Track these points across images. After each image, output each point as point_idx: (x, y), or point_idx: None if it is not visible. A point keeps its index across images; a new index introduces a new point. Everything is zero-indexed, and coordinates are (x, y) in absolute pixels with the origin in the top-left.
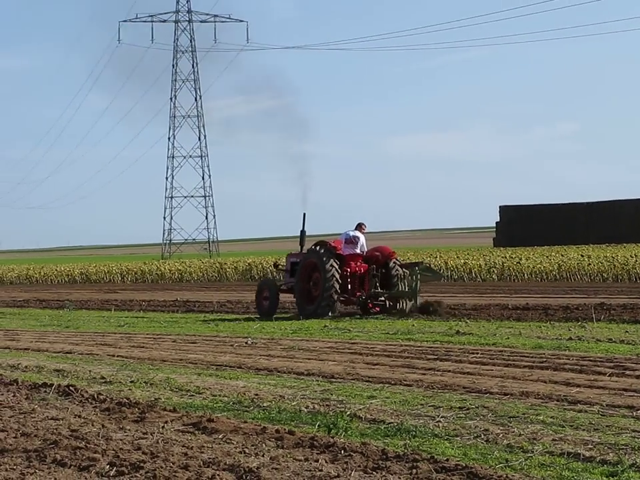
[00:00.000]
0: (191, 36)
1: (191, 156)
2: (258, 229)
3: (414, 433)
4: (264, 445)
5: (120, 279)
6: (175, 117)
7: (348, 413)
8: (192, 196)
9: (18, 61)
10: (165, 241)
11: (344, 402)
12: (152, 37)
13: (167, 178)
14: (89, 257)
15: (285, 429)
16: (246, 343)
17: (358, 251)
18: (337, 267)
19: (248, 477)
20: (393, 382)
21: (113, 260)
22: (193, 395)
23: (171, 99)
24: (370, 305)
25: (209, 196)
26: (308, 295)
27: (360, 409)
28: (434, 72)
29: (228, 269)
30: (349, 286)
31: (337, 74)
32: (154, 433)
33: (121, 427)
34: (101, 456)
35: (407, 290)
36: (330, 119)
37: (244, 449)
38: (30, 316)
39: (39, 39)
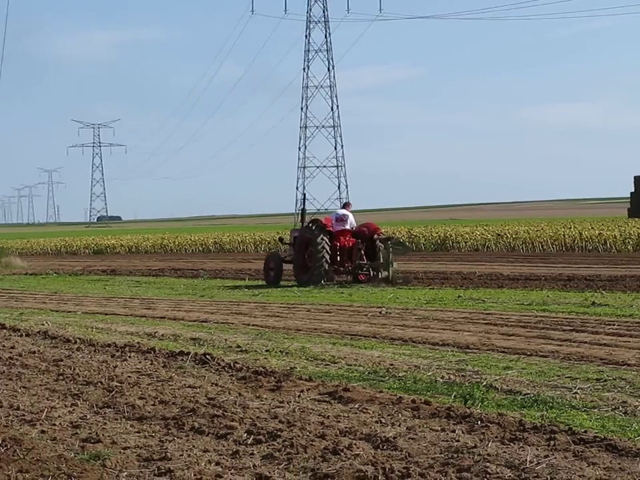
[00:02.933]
0: (324, 6)
1: (323, 126)
2: (389, 199)
3: (551, 404)
4: (400, 414)
5: (253, 248)
6: (307, 87)
7: (484, 383)
8: (324, 166)
9: (154, 31)
10: (297, 211)
11: (479, 373)
12: (285, 8)
13: (299, 148)
14: (222, 226)
15: (420, 399)
16: (380, 312)
17: (348, 227)
18: (327, 241)
19: (384, 447)
20: (528, 353)
21: (246, 230)
22: (328, 365)
23: (304, 69)
24: (361, 276)
25: (341, 166)
26: (304, 266)
27: (496, 380)
28: (566, 41)
29: None
30: (338, 258)
31: (470, 44)
32: (290, 402)
33: (258, 395)
34: (238, 424)
35: (382, 262)
36: (463, 89)
37: (380, 418)
38: (165, 285)
39: (173, 9)
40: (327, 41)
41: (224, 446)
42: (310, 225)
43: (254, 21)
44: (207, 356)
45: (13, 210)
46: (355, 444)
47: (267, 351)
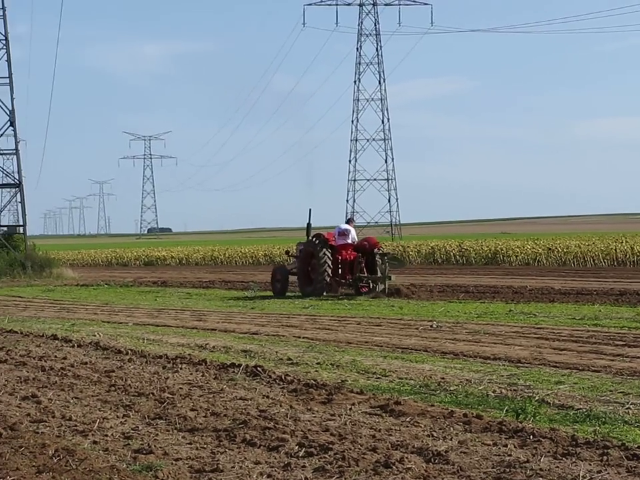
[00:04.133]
0: (375, 19)
1: (374, 139)
2: (440, 212)
3: (603, 419)
4: (452, 428)
5: None
6: (358, 100)
7: (536, 398)
8: (375, 179)
9: (205, 44)
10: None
11: (531, 387)
12: (336, 21)
13: (350, 161)
14: (272, 238)
15: (472, 413)
16: (431, 326)
17: (349, 241)
18: (329, 255)
19: (436, 461)
20: (580, 367)
21: (296, 242)
22: (379, 378)
23: (355, 82)
24: (363, 289)
25: (391, 179)
26: (307, 277)
27: (548, 394)
28: (621, 54)
29: (411, 252)
30: (340, 271)
31: (522, 57)
32: (342, 415)
33: (309, 408)
34: (289, 437)
35: (379, 275)
36: (514, 103)
37: (432, 432)
38: (215, 297)
39: (225, 22)
40: (378, 53)
41: (275, 458)
42: (313, 239)
43: (305, 34)
44: (258, 368)
45: (64, 221)
46: (406, 457)
47: (317, 363)
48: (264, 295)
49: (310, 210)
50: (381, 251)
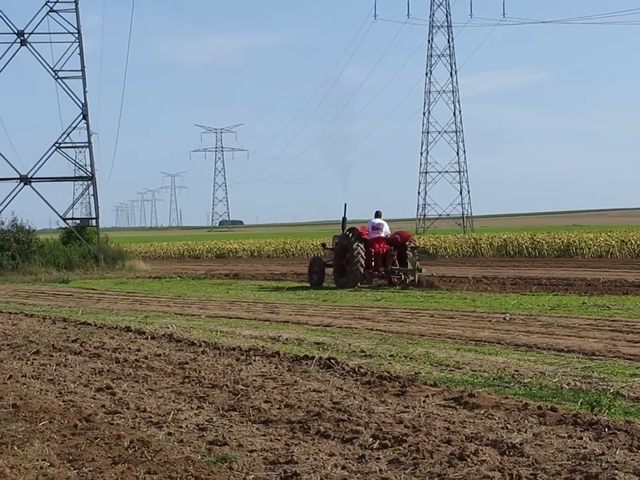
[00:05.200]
0: (447, 11)
1: (445, 131)
2: (512, 204)
3: None
4: (526, 421)
5: None
6: (430, 92)
7: (611, 390)
8: (446, 171)
9: (276, 36)
10: (419, 216)
11: (606, 380)
12: (408, 13)
13: (421, 153)
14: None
15: (547, 406)
16: (504, 318)
17: (383, 234)
18: (362, 248)
19: (511, 453)
20: None
21: None
22: (452, 370)
23: (426, 74)
24: (395, 280)
25: (463, 171)
26: (342, 269)
27: (623, 387)
28: None
29: (483, 245)
30: (373, 263)
31: (595, 48)
32: (415, 407)
33: (382, 400)
34: (363, 428)
35: (410, 268)
36: (586, 94)
37: (506, 424)
38: (288, 289)
39: (295, 15)
40: (449, 45)
41: (350, 450)
42: (348, 233)
43: (376, 26)
44: (331, 360)
45: (136, 214)
46: (481, 450)
47: (390, 356)
48: (335, 287)
49: (345, 204)
50: (412, 244)
